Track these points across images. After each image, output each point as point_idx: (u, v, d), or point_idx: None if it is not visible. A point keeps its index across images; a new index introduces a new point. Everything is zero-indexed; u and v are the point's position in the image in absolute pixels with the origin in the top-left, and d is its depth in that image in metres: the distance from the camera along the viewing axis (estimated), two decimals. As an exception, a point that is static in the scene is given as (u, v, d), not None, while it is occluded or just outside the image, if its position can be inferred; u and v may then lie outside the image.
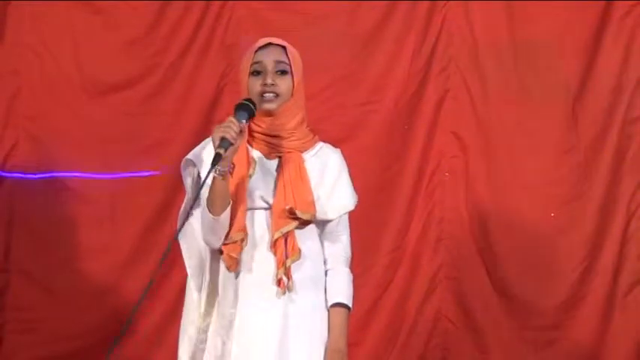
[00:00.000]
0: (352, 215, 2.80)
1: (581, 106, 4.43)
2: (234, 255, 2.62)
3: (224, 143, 2.51)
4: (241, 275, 2.66)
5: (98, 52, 4.45)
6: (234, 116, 2.57)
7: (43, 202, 4.43)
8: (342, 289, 2.74)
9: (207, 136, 4.27)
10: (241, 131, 2.55)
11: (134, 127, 4.46)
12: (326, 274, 2.75)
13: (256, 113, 2.63)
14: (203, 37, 4.48)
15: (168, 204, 4.40)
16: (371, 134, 4.46)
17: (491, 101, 4.46)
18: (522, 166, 4.43)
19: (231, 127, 2.52)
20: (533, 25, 4.44)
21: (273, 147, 2.70)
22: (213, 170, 2.52)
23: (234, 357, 2.62)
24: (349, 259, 2.80)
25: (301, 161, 2.69)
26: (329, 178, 2.74)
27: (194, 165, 2.71)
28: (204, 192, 2.60)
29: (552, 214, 4.42)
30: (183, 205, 2.75)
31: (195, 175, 2.72)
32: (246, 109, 2.60)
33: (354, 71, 4.47)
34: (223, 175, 2.54)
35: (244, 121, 2.58)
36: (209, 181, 2.54)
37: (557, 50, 4.44)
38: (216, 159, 2.50)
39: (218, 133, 2.52)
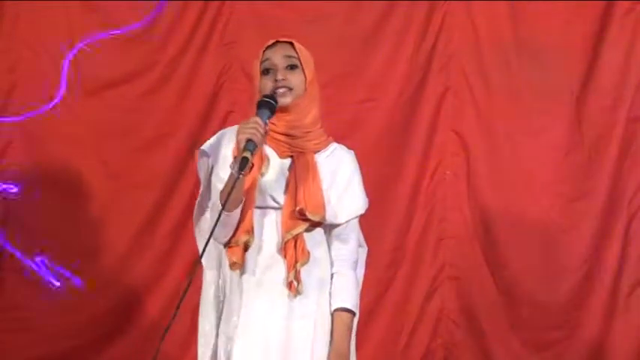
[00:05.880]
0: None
1: (583, 104, 4.43)
2: (235, 260, 2.60)
3: (250, 146, 2.46)
4: (248, 275, 2.63)
5: (95, 49, 4.40)
6: (257, 115, 2.53)
7: (37, 200, 4.37)
8: (347, 294, 2.70)
9: (205, 134, 4.36)
10: (266, 132, 2.52)
11: (132, 123, 4.42)
12: (332, 277, 2.72)
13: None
14: (202, 35, 4.46)
15: (164, 202, 4.40)
16: (371, 132, 4.43)
17: (493, 99, 4.44)
18: (524, 165, 4.42)
19: (257, 128, 2.48)
20: (536, 23, 4.43)
21: (287, 146, 2.67)
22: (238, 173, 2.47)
23: (237, 357, 2.59)
24: (356, 262, 2.79)
25: (314, 162, 2.66)
26: (341, 181, 2.72)
27: (208, 156, 2.68)
28: (219, 186, 2.57)
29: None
30: (198, 201, 2.72)
31: (210, 167, 2.69)
32: (268, 105, 2.56)
33: (354, 69, 4.45)
34: (244, 175, 2.50)
35: (267, 120, 2.54)
36: (225, 176, 2.51)
37: (559, 48, 4.43)
38: (244, 163, 2.44)
39: (244, 134, 2.47)
